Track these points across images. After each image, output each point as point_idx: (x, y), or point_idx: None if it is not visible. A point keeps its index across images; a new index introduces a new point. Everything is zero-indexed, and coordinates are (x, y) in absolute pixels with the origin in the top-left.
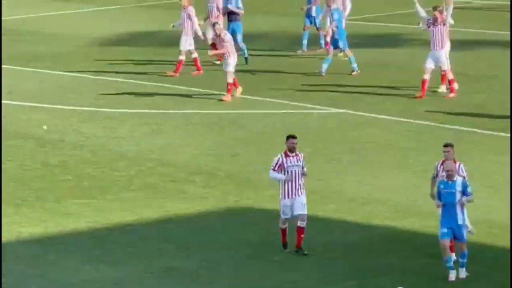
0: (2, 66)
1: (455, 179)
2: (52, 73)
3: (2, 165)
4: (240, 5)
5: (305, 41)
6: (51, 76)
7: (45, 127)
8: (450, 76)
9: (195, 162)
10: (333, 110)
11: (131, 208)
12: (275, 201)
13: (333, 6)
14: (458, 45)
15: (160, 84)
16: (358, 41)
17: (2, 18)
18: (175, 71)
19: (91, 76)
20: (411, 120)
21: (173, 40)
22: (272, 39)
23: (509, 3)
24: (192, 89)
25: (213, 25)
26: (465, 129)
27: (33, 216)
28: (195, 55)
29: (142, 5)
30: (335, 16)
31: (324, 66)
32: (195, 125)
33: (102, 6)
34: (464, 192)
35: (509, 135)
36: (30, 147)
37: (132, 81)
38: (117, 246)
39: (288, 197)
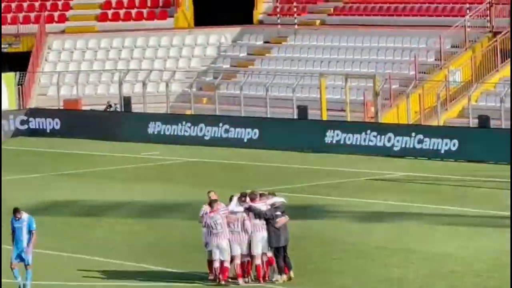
0: None
1: None
2: None
3: None
4: None
5: None
6: None
7: None
8: None
9: None
10: None
11: None
12: None
13: None
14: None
15: (83, 256)
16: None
17: None
18: None
19: (10, 247)
20: None
21: (95, 209)
22: None
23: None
24: (115, 261)
25: None
26: None
27: None
28: None
29: (61, 174)
30: None
31: None
32: None
33: (20, 175)
34: None
35: None
36: None
37: (52, 252)
38: None
39: None
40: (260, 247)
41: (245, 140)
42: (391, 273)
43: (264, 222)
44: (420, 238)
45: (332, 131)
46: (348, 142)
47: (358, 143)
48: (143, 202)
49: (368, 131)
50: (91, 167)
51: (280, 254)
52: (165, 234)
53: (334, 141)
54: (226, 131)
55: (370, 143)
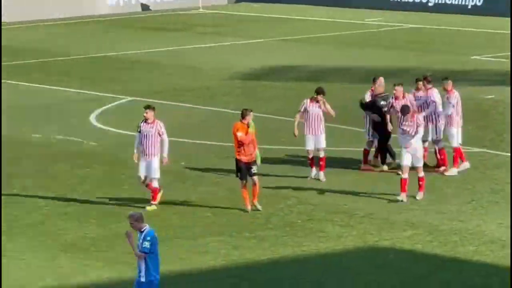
0: (146, 98)
1: None
2: (194, 107)
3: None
4: None
5: None
6: (193, 110)
7: (183, 163)
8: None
9: (333, 201)
10: (475, 149)
11: (268, 247)
12: (415, 241)
13: None
14: None
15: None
16: (503, 78)
17: (144, 51)
18: None
19: (233, 111)
20: None
21: (316, 75)
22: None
23: None
24: (336, 125)
25: None
26: None
27: (170, 253)
28: None
29: (286, 39)
30: None
31: None
32: (334, 163)
33: (246, 40)
34: None
35: None
36: (170, 183)
37: (274, 116)
38: (253, 285)
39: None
40: None
41: (470, 7)
42: None
43: None
44: None
45: None
46: None
47: None
48: (365, 68)
49: None
50: (314, 32)
51: None
52: None
53: None
54: None
55: None
